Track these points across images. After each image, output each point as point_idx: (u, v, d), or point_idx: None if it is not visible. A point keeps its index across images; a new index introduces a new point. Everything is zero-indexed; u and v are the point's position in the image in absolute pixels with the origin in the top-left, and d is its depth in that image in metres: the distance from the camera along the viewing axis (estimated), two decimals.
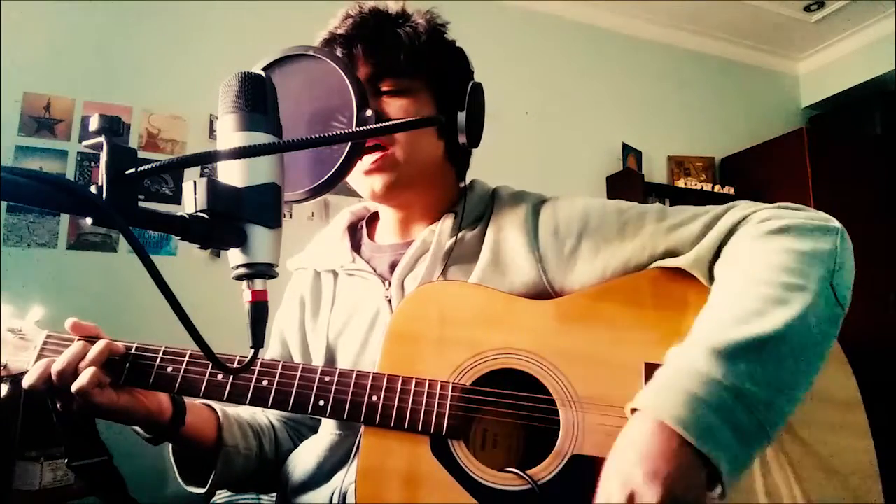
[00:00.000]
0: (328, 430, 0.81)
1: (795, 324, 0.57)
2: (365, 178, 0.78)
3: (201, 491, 0.81)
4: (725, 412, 0.53)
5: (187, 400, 0.79)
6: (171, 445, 0.81)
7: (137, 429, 0.76)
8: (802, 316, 0.58)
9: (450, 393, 0.70)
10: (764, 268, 0.62)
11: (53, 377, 0.69)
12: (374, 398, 0.70)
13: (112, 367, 0.73)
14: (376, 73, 0.76)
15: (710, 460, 0.52)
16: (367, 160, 0.76)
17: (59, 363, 0.69)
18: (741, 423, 0.53)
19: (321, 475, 0.79)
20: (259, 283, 0.49)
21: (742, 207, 0.72)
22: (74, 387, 0.67)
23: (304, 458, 0.82)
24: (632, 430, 0.56)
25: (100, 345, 0.71)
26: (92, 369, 0.68)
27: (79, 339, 0.74)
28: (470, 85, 0.80)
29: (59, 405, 0.71)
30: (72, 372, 0.69)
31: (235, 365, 0.71)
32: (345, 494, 0.75)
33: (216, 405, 0.84)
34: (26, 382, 0.70)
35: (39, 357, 0.74)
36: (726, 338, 0.57)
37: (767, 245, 0.65)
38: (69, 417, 0.72)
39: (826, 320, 0.61)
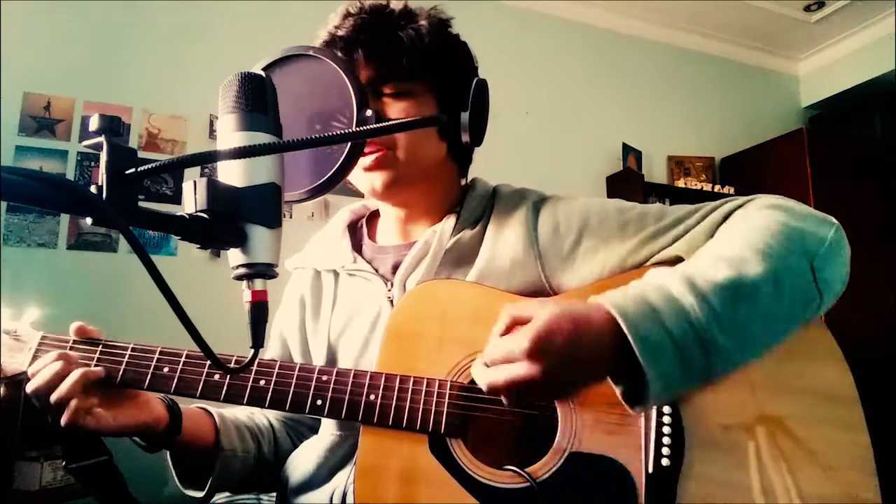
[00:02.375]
0: (329, 430, 0.81)
1: (769, 282, 0.57)
2: (365, 175, 0.77)
3: (200, 495, 0.81)
4: (679, 338, 0.53)
5: (183, 405, 0.79)
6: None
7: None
8: (776, 278, 0.58)
9: (448, 391, 0.70)
10: (752, 228, 0.63)
11: (31, 397, 0.69)
12: (372, 397, 0.70)
13: (108, 369, 0.73)
14: (378, 77, 0.76)
15: (642, 375, 0.52)
16: (368, 157, 0.76)
17: (33, 384, 0.69)
18: (689, 356, 0.53)
19: (321, 475, 0.79)
20: (259, 283, 0.49)
21: (739, 199, 0.73)
22: (63, 420, 0.68)
23: (304, 459, 0.82)
24: (581, 303, 0.56)
25: (75, 374, 0.69)
26: (74, 402, 0.68)
27: (72, 342, 0.75)
28: (474, 82, 0.79)
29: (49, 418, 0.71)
30: (47, 393, 0.69)
31: (233, 365, 0.71)
32: (345, 494, 0.75)
33: (213, 409, 0.84)
34: (30, 388, 0.70)
35: (34, 358, 0.74)
36: (705, 274, 0.57)
37: (759, 214, 0.66)
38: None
39: (798, 295, 0.60)
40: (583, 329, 0.53)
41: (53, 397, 0.68)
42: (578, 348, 0.53)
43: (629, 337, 0.52)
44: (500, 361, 0.54)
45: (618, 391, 0.56)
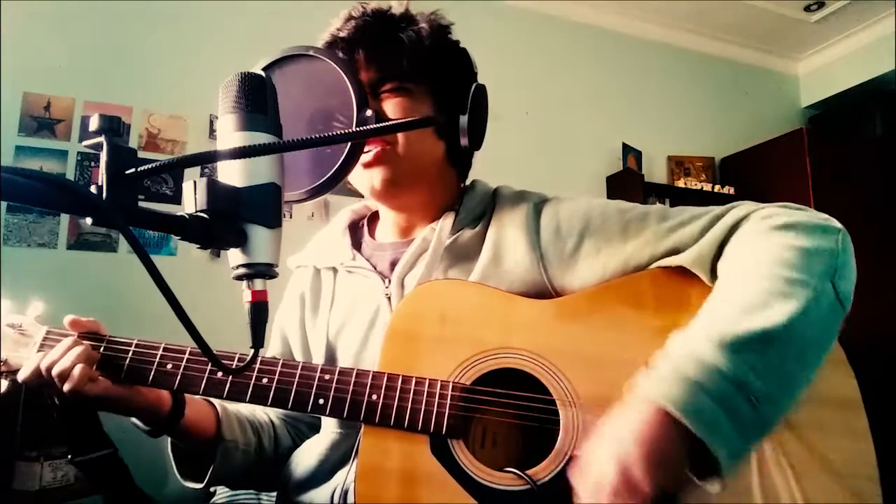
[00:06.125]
0: (330, 428, 0.82)
1: (798, 319, 0.57)
2: (364, 172, 0.78)
3: (198, 486, 0.81)
4: (726, 402, 0.53)
5: (187, 394, 0.79)
6: (169, 440, 0.81)
7: (136, 421, 0.77)
8: (804, 311, 0.58)
9: (450, 392, 0.70)
10: (767, 262, 0.63)
11: (43, 371, 0.70)
12: (374, 397, 0.70)
13: (112, 364, 0.73)
14: (378, 77, 0.76)
15: (706, 450, 0.52)
16: (368, 154, 0.76)
17: (47, 359, 0.70)
18: (742, 415, 0.53)
19: (322, 473, 0.80)
20: (259, 283, 0.49)
21: (743, 206, 0.72)
22: (66, 386, 0.68)
23: (305, 457, 0.83)
24: (628, 412, 0.56)
25: (78, 348, 0.71)
26: (80, 366, 0.68)
27: (76, 337, 0.74)
28: (473, 87, 0.79)
29: (55, 399, 0.72)
30: (49, 369, 0.69)
31: (235, 363, 0.72)
32: (346, 493, 0.75)
33: (216, 400, 0.84)
34: (21, 376, 0.71)
35: (39, 352, 0.74)
36: (730, 329, 0.57)
37: (770, 240, 0.65)
38: (70, 411, 0.73)
39: (827, 317, 0.60)
40: (650, 443, 0.53)
41: (56, 369, 0.69)
42: (659, 458, 0.53)
43: (688, 425, 0.52)
44: None
45: (691, 474, 0.56)
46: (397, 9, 0.80)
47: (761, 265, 0.63)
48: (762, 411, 0.54)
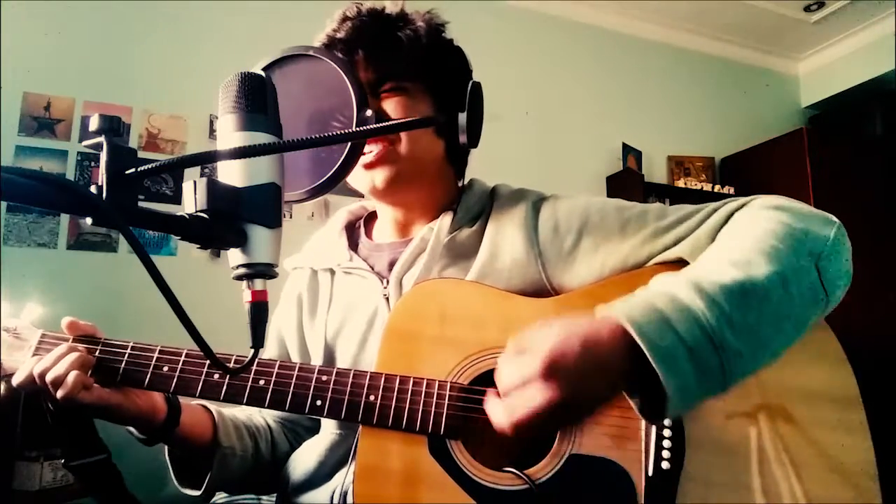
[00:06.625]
0: (329, 429, 0.81)
1: (777, 281, 0.56)
2: (366, 173, 0.78)
3: (196, 493, 0.81)
4: (691, 343, 0.50)
5: (183, 400, 0.79)
6: (166, 447, 0.81)
7: (132, 429, 0.76)
8: (784, 278, 0.57)
9: (447, 392, 0.70)
10: (755, 231, 0.63)
11: (36, 377, 0.69)
12: (372, 398, 0.70)
13: (107, 367, 0.73)
14: (378, 77, 0.77)
15: (658, 384, 0.49)
16: (369, 154, 0.76)
17: (39, 365, 0.69)
18: (704, 361, 0.50)
19: (322, 474, 0.80)
20: (259, 283, 0.49)
21: (740, 199, 0.73)
22: (59, 393, 0.67)
23: (305, 458, 0.83)
24: (587, 319, 0.53)
25: (73, 354, 0.70)
26: (74, 373, 0.68)
27: (72, 340, 0.74)
28: (470, 85, 0.80)
29: (50, 404, 0.71)
30: (42, 375, 0.69)
31: (232, 364, 0.71)
32: (345, 493, 0.75)
33: (212, 406, 0.84)
34: (15, 381, 0.70)
35: (35, 356, 0.74)
36: (712, 277, 0.55)
37: (762, 216, 0.66)
38: (64, 416, 0.72)
39: (806, 295, 0.59)
40: (592, 344, 0.50)
41: (49, 376, 0.68)
42: (592, 364, 0.50)
43: (642, 346, 0.49)
44: (513, 389, 0.51)
45: (634, 405, 0.54)
46: (392, 8, 0.80)
47: (750, 233, 0.63)
48: (726, 364, 0.51)
